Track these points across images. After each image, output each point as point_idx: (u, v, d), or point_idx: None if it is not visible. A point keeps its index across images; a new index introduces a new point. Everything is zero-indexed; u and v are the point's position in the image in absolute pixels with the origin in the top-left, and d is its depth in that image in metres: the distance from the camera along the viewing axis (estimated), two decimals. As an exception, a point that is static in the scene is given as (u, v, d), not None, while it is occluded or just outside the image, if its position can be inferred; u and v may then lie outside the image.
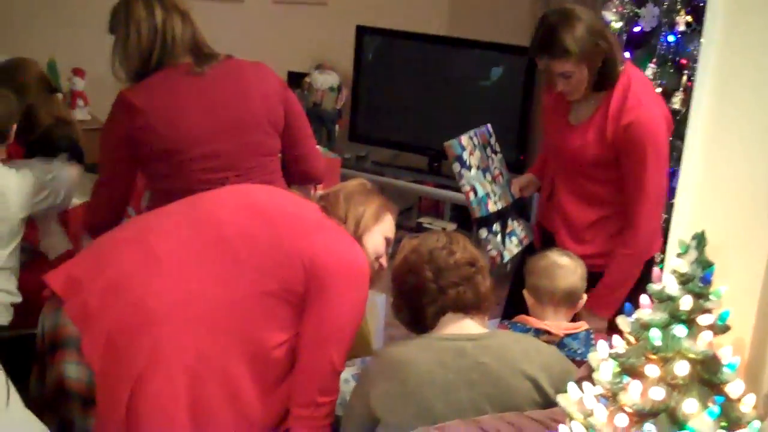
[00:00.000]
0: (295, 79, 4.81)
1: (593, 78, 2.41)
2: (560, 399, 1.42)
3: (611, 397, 1.34)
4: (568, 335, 2.23)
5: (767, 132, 1.40)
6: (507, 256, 2.66)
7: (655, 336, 1.31)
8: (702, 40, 1.50)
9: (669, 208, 2.21)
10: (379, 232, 2.06)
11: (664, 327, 1.32)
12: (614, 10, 3.45)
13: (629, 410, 1.30)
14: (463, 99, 4.76)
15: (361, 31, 4.88)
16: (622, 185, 2.49)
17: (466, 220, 4.71)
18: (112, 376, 1.75)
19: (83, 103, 4.10)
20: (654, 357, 1.32)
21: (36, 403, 1.86)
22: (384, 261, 2.08)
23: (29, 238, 2.80)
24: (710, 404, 1.30)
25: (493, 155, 2.79)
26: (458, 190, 2.72)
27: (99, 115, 4.00)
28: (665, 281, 1.36)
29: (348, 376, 2.30)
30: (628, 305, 1.41)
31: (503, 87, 4.74)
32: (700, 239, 1.34)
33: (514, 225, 2.75)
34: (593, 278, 2.40)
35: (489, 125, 2.86)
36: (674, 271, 1.35)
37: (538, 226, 2.82)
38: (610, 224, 2.56)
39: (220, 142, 2.26)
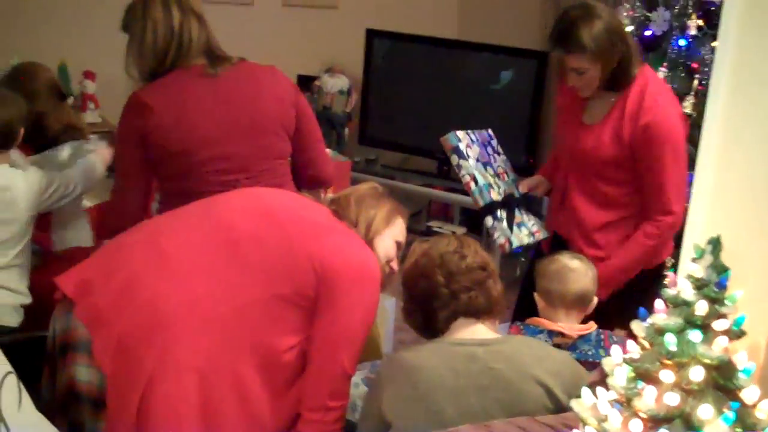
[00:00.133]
0: (305, 82, 4.81)
1: (606, 77, 2.41)
2: (574, 404, 1.41)
3: (625, 403, 1.34)
4: (580, 336, 2.23)
5: (782, 136, 1.40)
6: (516, 242, 2.61)
7: (670, 341, 1.30)
8: (716, 44, 1.49)
9: (683, 212, 2.21)
10: (390, 236, 2.05)
11: (679, 332, 1.31)
12: (625, 13, 3.45)
13: (644, 416, 1.29)
14: (472, 102, 4.76)
15: (371, 35, 4.89)
16: (636, 187, 2.49)
17: (475, 223, 4.71)
18: (122, 378, 1.75)
19: (94, 106, 4.12)
20: (669, 362, 1.31)
21: (47, 406, 1.86)
22: (395, 265, 2.08)
23: (40, 240, 2.81)
24: (725, 410, 1.29)
25: (495, 155, 2.79)
26: (468, 194, 2.70)
27: (110, 118, 4.02)
28: (680, 286, 1.35)
29: (357, 379, 2.30)
30: (642, 310, 1.40)
31: (513, 90, 4.74)
32: (716, 244, 1.33)
33: (523, 217, 2.71)
34: None
35: (490, 130, 2.86)
36: (689, 276, 1.34)
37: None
38: (622, 228, 2.56)
39: (232, 144, 2.26)
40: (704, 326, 1.32)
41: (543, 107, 4.65)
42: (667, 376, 1.29)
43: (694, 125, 2.60)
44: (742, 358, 1.33)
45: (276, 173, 2.35)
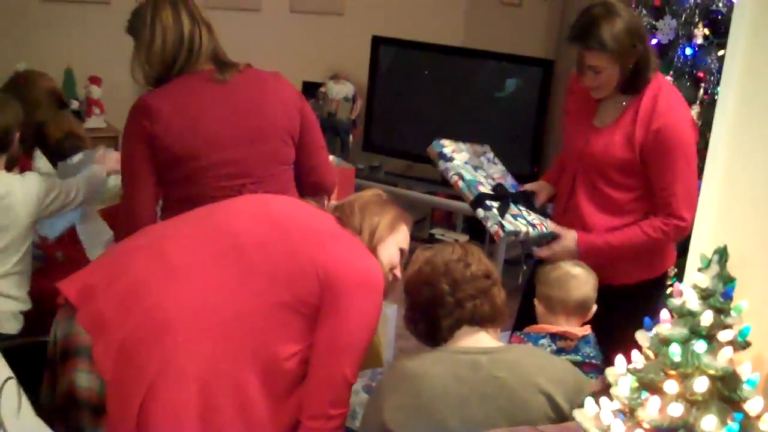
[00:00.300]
0: (311, 89, 4.82)
1: (624, 79, 2.41)
2: (577, 414, 1.40)
3: (629, 413, 1.33)
4: (582, 338, 2.24)
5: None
6: (509, 227, 2.52)
7: (675, 351, 1.29)
8: (724, 53, 1.48)
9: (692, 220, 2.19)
10: (394, 243, 2.05)
11: (684, 342, 1.31)
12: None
13: (647, 426, 1.29)
14: (477, 110, 4.76)
15: (377, 42, 4.89)
16: (642, 194, 2.48)
17: (478, 231, 4.71)
18: (123, 384, 1.74)
19: (99, 111, 4.13)
20: (673, 373, 1.31)
21: (47, 412, 1.85)
22: (398, 272, 2.07)
23: (42, 245, 2.81)
24: (729, 421, 1.28)
25: (490, 163, 2.77)
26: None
27: (115, 123, 4.03)
28: (686, 296, 1.35)
29: (357, 387, 2.29)
30: (647, 320, 1.39)
31: (518, 98, 4.74)
32: (722, 254, 1.32)
33: (522, 212, 2.65)
34: (602, 289, 2.39)
35: (487, 145, 2.86)
36: (695, 286, 1.33)
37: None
38: None
39: (238, 149, 2.25)
40: (709, 337, 1.31)
41: (548, 115, 4.65)
42: (671, 386, 1.29)
43: (700, 134, 2.59)
44: (746, 369, 1.33)
45: (280, 179, 2.35)
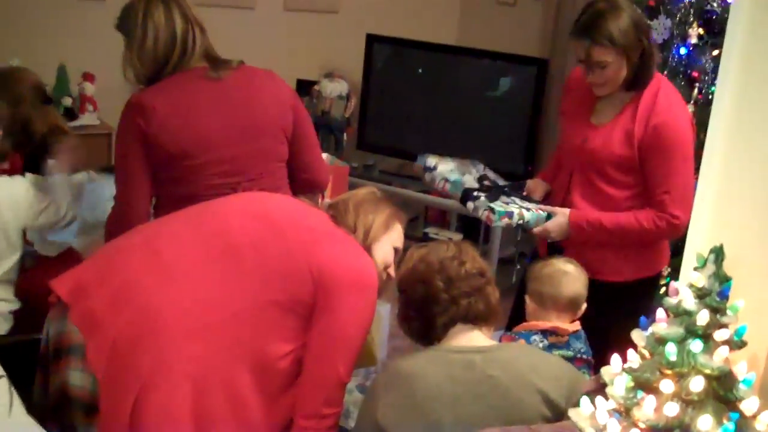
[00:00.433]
0: (305, 87, 4.81)
1: (630, 74, 2.40)
2: (572, 413, 1.40)
3: (624, 413, 1.33)
4: (572, 334, 2.25)
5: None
6: (499, 208, 2.52)
7: (671, 351, 1.29)
8: (719, 53, 1.48)
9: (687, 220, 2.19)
10: (389, 242, 2.04)
11: (680, 342, 1.30)
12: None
13: (643, 426, 1.28)
14: (471, 109, 4.76)
15: (371, 40, 4.89)
16: (638, 193, 2.48)
17: (472, 230, 4.71)
18: (116, 383, 1.73)
19: (92, 108, 4.11)
20: (669, 372, 1.30)
21: (39, 410, 1.85)
22: (392, 271, 2.07)
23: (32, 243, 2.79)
24: (725, 421, 1.28)
25: (483, 172, 2.78)
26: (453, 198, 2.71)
27: (108, 120, 4.01)
28: (682, 295, 1.34)
29: (351, 386, 2.29)
30: (643, 319, 1.39)
31: (512, 97, 4.74)
32: (719, 253, 1.32)
33: (516, 201, 2.64)
34: (595, 287, 2.39)
35: (478, 162, 2.86)
36: (691, 285, 1.33)
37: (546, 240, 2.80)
38: None
39: (232, 147, 2.24)
40: (705, 336, 1.31)
41: (542, 114, 4.65)
42: (666, 386, 1.28)
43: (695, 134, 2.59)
44: (742, 368, 1.32)
45: (274, 176, 2.34)
